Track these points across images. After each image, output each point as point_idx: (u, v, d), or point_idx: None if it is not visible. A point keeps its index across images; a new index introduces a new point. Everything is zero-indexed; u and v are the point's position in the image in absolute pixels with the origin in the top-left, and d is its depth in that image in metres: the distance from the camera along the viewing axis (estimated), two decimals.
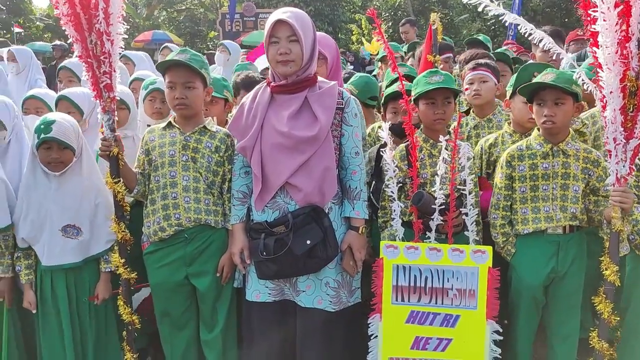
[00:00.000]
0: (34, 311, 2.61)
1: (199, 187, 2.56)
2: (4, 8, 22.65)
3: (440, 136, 2.46)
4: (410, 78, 3.07)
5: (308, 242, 2.35)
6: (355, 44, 22.00)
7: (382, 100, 2.98)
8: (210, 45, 23.32)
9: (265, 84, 2.50)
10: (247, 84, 3.40)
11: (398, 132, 2.74)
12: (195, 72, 2.54)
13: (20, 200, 2.57)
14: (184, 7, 23.97)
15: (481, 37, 6.03)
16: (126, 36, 2.44)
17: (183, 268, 2.60)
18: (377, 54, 6.40)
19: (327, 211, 2.42)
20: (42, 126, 2.49)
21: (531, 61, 5.58)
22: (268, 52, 2.38)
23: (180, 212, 2.54)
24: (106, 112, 2.45)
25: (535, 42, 2.44)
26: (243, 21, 20.86)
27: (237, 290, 2.69)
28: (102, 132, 2.48)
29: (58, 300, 2.59)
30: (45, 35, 22.11)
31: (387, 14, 21.70)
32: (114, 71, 2.42)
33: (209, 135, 2.61)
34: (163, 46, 6.57)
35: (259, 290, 2.50)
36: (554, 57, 3.70)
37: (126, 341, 2.56)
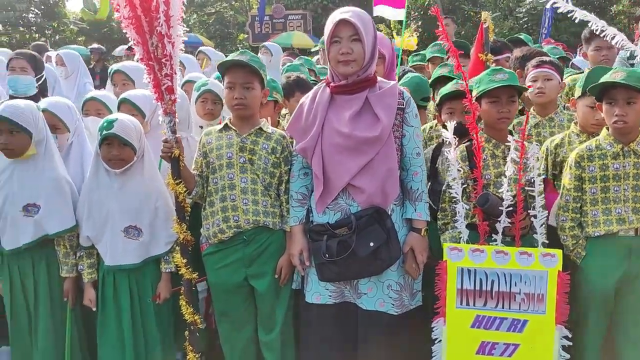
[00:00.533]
0: (94, 309, 2.64)
1: (256, 188, 2.55)
2: (39, 12, 23.22)
3: (509, 136, 2.39)
4: (449, 79, 3.02)
5: (371, 244, 2.31)
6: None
7: (437, 100, 2.92)
8: (239, 48, 23.52)
9: (325, 84, 2.47)
10: (302, 85, 3.39)
11: (456, 133, 2.68)
12: (255, 73, 2.53)
13: (83, 199, 2.61)
14: (213, 10, 24.18)
15: (522, 36, 5.90)
16: (185, 38, 2.43)
17: (242, 269, 2.59)
18: (412, 51, 6.30)
19: (389, 213, 2.38)
20: (104, 124, 2.53)
21: (579, 58, 5.44)
22: (329, 51, 2.35)
23: (239, 214, 2.53)
24: (167, 114, 2.45)
25: (607, 39, 2.34)
26: (272, 23, 20.97)
27: (295, 291, 2.67)
28: (164, 134, 2.48)
29: (120, 299, 2.61)
30: (79, 39, 22.56)
31: (417, 13, 21.54)
32: (175, 73, 2.42)
33: (265, 137, 2.60)
34: (198, 51, 6.60)
35: (319, 293, 2.47)
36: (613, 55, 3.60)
37: (188, 341, 2.56)
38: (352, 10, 2.34)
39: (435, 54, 4.59)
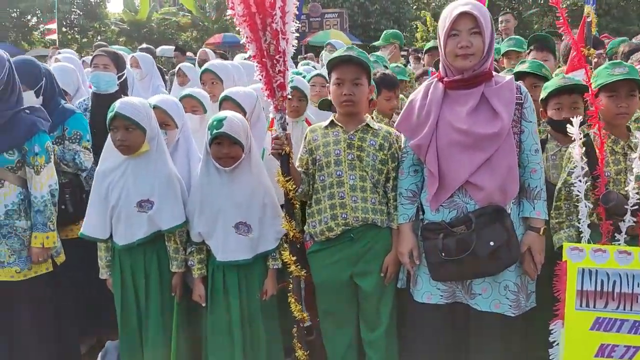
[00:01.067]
0: (204, 304, 2.65)
1: (365, 186, 2.52)
2: (81, 13, 23.76)
3: (637, 133, 2.31)
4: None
5: (491, 243, 2.25)
6: (420, 41, 21.67)
7: (544, 96, 2.84)
8: None
9: (436, 79, 2.42)
10: (388, 82, 3.35)
11: (561, 129, 2.61)
12: (363, 69, 2.50)
13: (195, 195, 2.63)
14: None
15: (540, 35, 5.79)
16: (298, 34, 2.42)
17: (348, 267, 2.57)
18: None
19: (508, 211, 2.32)
20: (214, 122, 2.54)
21: None
22: (445, 45, 2.29)
23: (347, 212, 2.50)
24: (278, 110, 2.44)
25: None
26: (309, 22, 21.02)
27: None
28: (274, 131, 2.48)
29: (229, 295, 2.62)
30: (120, 39, 22.99)
31: None
32: (287, 70, 2.41)
33: (372, 133, 2.56)
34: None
35: (430, 292, 2.43)
36: None
37: (297, 338, 2.55)
38: (471, 3, 2.28)
39: (512, 48, 4.50)
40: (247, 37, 2.38)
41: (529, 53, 4.09)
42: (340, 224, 2.51)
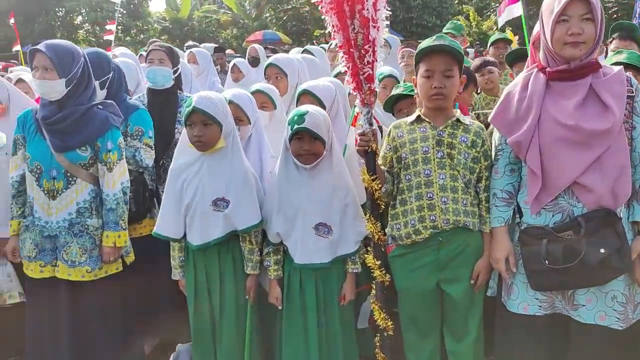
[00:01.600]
0: (280, 307, 2.54)
1: (456, 186, 2.35)
2: (124, 11, 24.18)
3: None
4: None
5: (602, 250, 2.05)
6: (463, 36, 21.24)
7: None
8: (314, 44, 23.49)
9: (536, 69, 2.23)
10: (472, 77, 3.18)
11: None
12: (455, 60, 2.32)
13: (271, 194, 2.52)
14: (289, 7, 24.28)
15: (626, 23, 5.47)
16: (388, 22, 2.26)
17: (435, 273, 2.40)
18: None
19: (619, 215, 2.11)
20: (295, 117, 2.41)
21: None
22: (552, 32, 2.09)
23: (437, 214, 2.33)
24: (365, 104, 2.29)
25: None
26: None
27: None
28: (359, 126, 2.33)
29: (306, 299, 2.50)
30: (162, 37, 23.29)
31: (497, 4, 20.73)
32: (376, 60, 2.25)
33: (463, 129, 2.38)
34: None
35: (527, 302, 2.24)
36: None
37: (379, 348, 2.40)
38: None
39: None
40: (333, 26, 2.24)
41: (611, 41, 3.83)
42: (428, 226, 2.35)
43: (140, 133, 3.20)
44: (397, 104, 3.08)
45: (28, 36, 21.71)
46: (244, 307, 2.57)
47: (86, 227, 2.72)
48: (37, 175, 2.69)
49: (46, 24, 22.53)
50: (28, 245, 2.73)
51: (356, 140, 2.40)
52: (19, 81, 3.71)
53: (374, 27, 2.19)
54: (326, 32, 2.29)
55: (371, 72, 2.25)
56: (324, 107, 2.69)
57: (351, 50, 2.24)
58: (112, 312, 2.84)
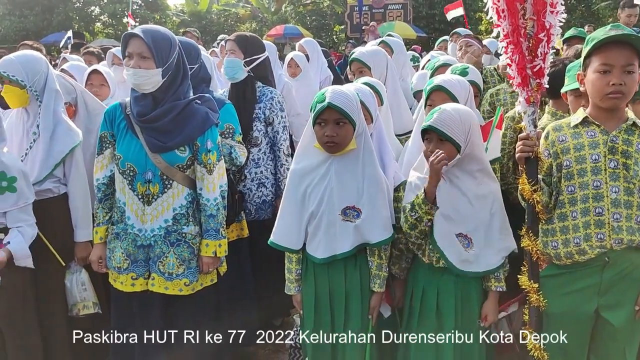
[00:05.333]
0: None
1: (631, 201, 2.03)
2: (142, 3, 23.85)
3: None
4: None
5: None
6: (485, 33, 20.89)
7: None
8: (334, 39, 23.11)
9: None
10: None
11: None
12: (637, 53, 1.99)
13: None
14: (309, 1, 23.91)
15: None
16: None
17: (595, 297, 2.10)
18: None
19: None
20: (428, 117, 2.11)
21: None
22: None
23: (606, 232, 2.02)
24: (531, 103, 1.98)
25: None
26: (371, 13, 20.45)
27: None
28: (524, 128, 2.02)
29: (443, 317, 2.23)
30: (180, 31, 22.97)
31: None
32: (549, 51, 1.93)
33: (639, 135, 2.06)
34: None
35: None
36: None
37: None
38: None
39: None
40: (497, 12, 1.92)
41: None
42: (594, 246, 2.03)
43: (231, 131, 2.92)
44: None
45: (46, 28, 21.46)
46: (366, 326, 2.27)
47: (183, 235, 2.42)
48: (130, 178, 2.39)
49: (65, 15, 22.22)
50: (118, 255, 2.43)
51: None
52: (94, 72, 3.43)
53: (552, 12, 1.87)
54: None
55: (542, 65, 1.93)
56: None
57: (520, 39, 1.92)
58: (206, 327, 2.54)
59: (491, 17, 1.93)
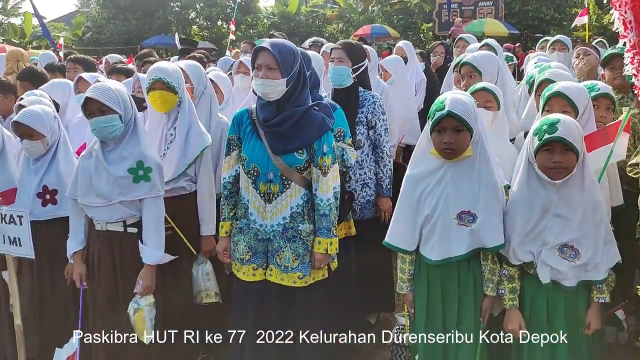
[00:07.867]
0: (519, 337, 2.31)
1: None
2: (235, 6, 24.86)
3: None
4: None
5: None
6: (581, 30, 19.82)
7: None
8: (422, 37, 22.86)
9: None
10: None
11: None
12: None
13: (513, 211, 2.26)
14: (396, 0, 23.81)
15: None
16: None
17: None
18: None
19: None
20: (544, 126, 2.14)
21: None
22: None
23: None
24: None
25: None
26: (461, 10, 20.04)
27: None
28: None
29: (554, 323, 2.26)
30: (270, 32, 23.71)
31: None
32: None
33: None
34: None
35: None
36: None
37: None
38: None
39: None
40: (624, 23, 1.92)
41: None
42: None
43: (342, 134, 3.09)
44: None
45: (147, 31, 22.92)
46: (477, 330, 2.34)
47: (299, 232, 2.62)
48: (253, 178, 2.61)
49: (164, 19, 23.60)
50: (242, 247, 2.67)
51: None
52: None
53: None
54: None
55: None
56: (577, 111, 2.39)
57: None
58: (316, 320, 2.72)
59: (617, 28, 1.93)
